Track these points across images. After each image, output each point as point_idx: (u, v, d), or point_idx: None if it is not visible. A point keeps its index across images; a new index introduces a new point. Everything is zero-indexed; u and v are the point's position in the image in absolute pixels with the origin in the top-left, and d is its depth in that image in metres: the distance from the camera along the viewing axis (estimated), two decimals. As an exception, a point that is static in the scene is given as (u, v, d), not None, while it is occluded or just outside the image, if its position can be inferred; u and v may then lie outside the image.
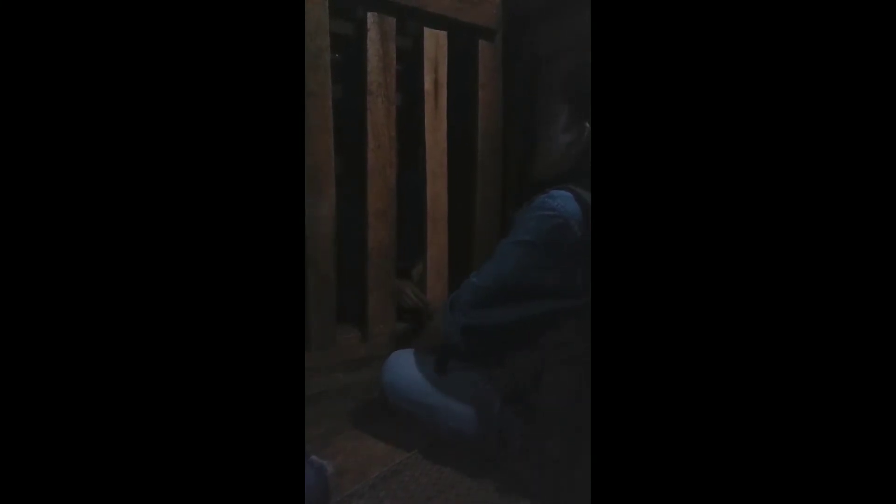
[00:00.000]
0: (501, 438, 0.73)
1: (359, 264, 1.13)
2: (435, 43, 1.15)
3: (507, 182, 1.31)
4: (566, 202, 0.69)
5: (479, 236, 1.28)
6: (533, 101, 1.30)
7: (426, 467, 0.81)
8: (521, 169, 1.34)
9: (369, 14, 1.04)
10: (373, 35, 1.05)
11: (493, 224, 1.29)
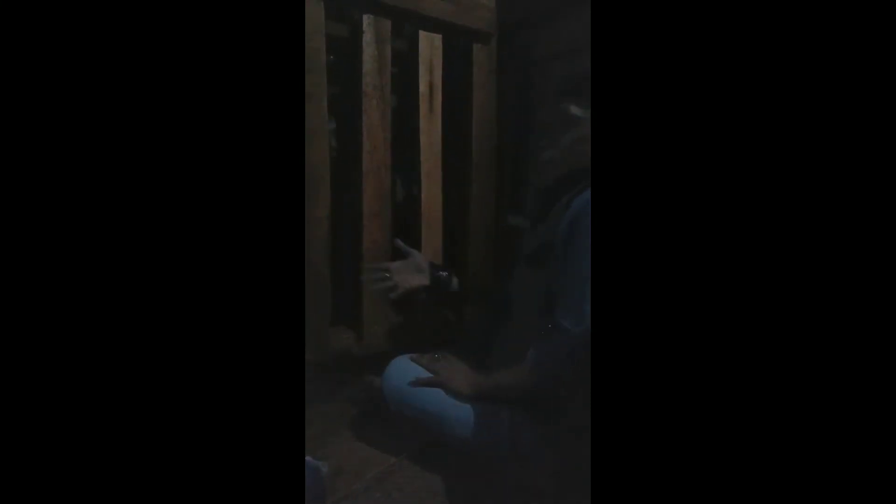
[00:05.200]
0: (511, 444, 0.71)
1: (353, 266, 1.13)
2: (430, 46, 1.16)
3: (501, 184, 1.32)
4: None
5: (474, 238, 1.28)
6: (528, 106, 1.31)
7: (422, 468, 0.81)
8: (517, 172, 1.34)
9: (365, 16, 1.04)
10: (368, 37, 1.05)
11: (488, 226, 1.30)
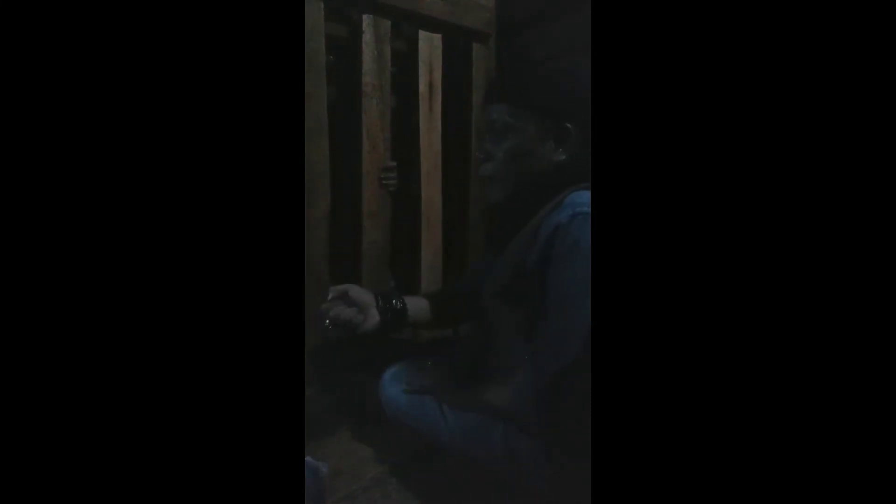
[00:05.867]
0: (507, 453, 0.69)
1: (352, 266, 1.13)
2: (429, 46, 1.16)
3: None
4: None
5: (473, 238, 1.28)
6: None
7: (422, 469, 0.81)
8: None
9: (364, 16, 1.04)
10: (368, 37, 1.05)
11: (488, 226, 1.30)
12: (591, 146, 0.68)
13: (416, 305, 0.88)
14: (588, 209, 0.58)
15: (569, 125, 0.66)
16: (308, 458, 0.69)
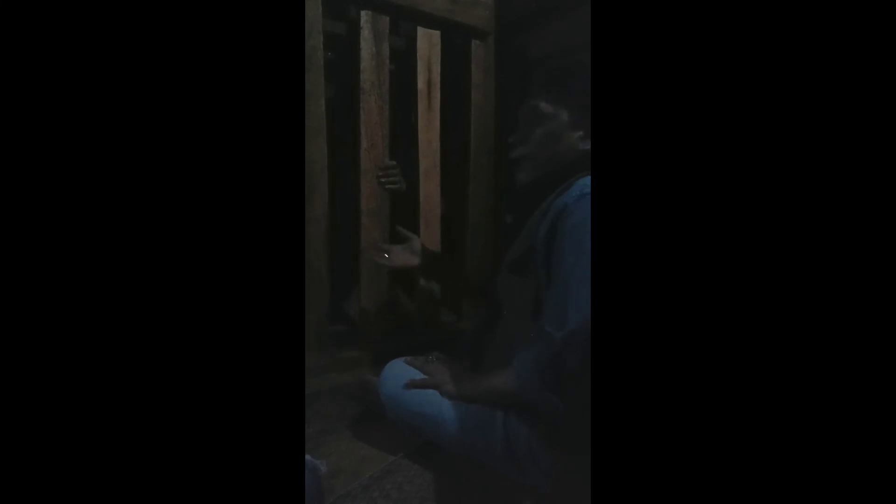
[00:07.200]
0: (506, 445, 0.70)
1: (352, 264, 1.12)
2: (428, 42, 1.15)
3: (499, 181, 1.32)
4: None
5: (472, 236, 1.28)
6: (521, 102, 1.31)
7: (421, 467, 0.81)
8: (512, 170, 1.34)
9: (363, 13, 1.04)
10: (366, 34, 1.05)
11: (486, 224, 1.30)
12: (591, 139, 0.70)
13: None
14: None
15: None
16: (307, 457, 0.68)
